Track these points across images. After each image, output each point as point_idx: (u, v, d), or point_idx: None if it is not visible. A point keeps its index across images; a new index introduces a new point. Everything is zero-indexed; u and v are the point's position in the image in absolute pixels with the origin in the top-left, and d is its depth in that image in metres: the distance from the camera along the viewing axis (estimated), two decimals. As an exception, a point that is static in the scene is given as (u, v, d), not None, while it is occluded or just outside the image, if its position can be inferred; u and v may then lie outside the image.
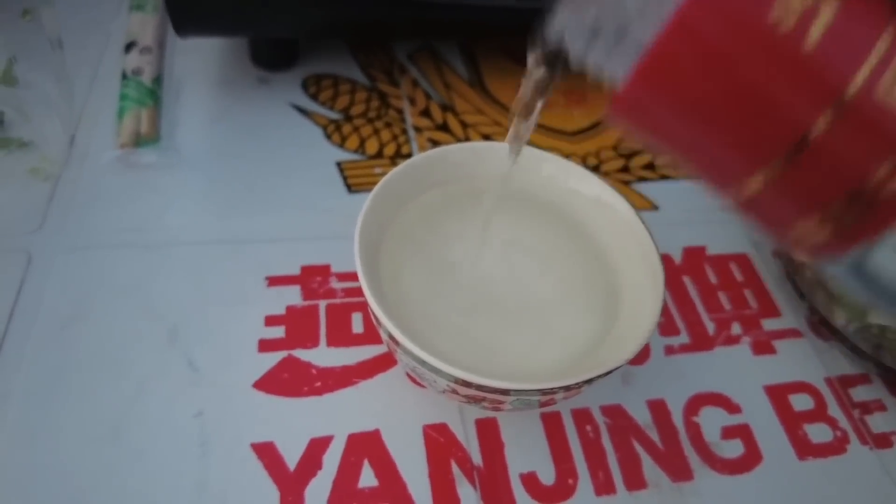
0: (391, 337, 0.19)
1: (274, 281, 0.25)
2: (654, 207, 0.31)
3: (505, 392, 0.18)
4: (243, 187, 0.28)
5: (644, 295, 0.21)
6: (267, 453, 0.21)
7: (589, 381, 0.18)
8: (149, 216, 0.27)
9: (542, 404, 0.21)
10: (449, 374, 0.18)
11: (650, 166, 0.33)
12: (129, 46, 0.32)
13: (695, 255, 0.29)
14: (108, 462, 0.20)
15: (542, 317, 0.22)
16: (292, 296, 0.25)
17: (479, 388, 0.18)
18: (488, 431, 0.23)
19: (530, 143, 0.31)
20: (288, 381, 0.23)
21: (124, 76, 0.30)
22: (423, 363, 0.18)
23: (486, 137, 0.33)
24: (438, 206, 0.23)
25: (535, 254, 0.23)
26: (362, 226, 0.20)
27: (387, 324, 0.18)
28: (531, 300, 0.22)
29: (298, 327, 0.24)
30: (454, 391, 0.19)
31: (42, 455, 0.20)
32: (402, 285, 0.21)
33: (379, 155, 0.31)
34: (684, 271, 0.29)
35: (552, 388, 0.18)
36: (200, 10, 0.27)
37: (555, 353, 0.21)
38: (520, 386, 0.18)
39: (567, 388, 0.18)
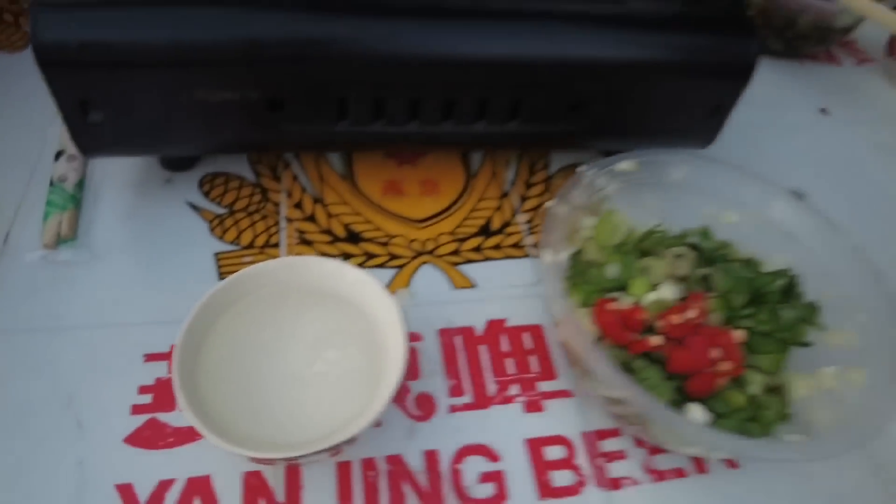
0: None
1: (149, 357, 0.33)
2: (473, 285, 0.39)
3: (270, 460, 0.26)
4: (138, 278, 0.36)
5: (396, 370, 0.29)
6: (125, 492, 0.29)
7: (323, 451, 0.26)
8: (61, 305, 0.35)
9: (332, 455, 0.28)
10: (230, 451, 0.26)
11: (478, 249, 0.40)
12: (58, 154, 0.40)
13: (495, 327, 0.37)
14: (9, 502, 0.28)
15: (329, 389, 0.30)
16: (161, 369, 0.33)
17: (256, 459, 0.26)
18: (292, 476, 0.30)
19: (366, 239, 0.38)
20: (149, 437, 0.31)
21: (52, 183, 0.39)
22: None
23: (347, 226, 0.40)
24: (254, 309, 0.31)
25: (327, 338, 0.31)
26: (186, 330, 0.28)
27: (186, 413, 0.26)
28: (322, 376, 0.30)
29: (162, 395, 0.32)
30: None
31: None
32: (217, 372, 0.29)
33: (251, 245, 0.38)
34: (483, 341, 0.36)
35: (299, 455, 0.26)
36: (101, 139, 0.35)
37: (335, 419, 0.29)
38: (268, 455, 0.25)
39: (308, 455, 0.26)
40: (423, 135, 0.38)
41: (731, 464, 0.34)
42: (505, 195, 0.44)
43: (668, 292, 0.33)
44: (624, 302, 0.33)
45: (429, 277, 0.39)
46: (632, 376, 0.31)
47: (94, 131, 0.34)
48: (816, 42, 0.59)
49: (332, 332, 0.31)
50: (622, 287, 0.34)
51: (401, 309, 0.30)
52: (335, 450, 0.27)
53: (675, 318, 0.31)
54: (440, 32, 0.35)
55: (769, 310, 0.34)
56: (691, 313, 0.32)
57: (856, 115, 0.57)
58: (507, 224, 0.42)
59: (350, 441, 0.27)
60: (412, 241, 0.40)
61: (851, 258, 0.35)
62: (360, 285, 0.31)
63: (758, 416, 0.32)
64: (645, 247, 0.36)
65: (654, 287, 0.34)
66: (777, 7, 0.56)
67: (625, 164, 0.36)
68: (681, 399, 0.31)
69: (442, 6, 0.35)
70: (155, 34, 0.31)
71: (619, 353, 0.32)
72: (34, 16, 0.31)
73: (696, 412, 0.30)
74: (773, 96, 0.58)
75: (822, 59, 0.63)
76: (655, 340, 0.31)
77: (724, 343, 0.31)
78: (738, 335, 0.32)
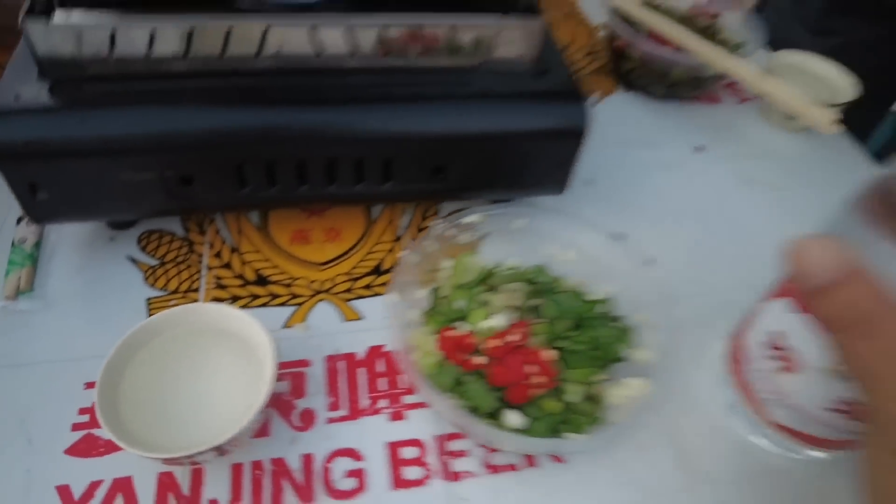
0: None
1: (88, 385, 0.42)
2: (361, 317, 0.47)
3: (169, 459, 0.34)
4: (83, 321, 0.45)
5: (265, 389, 0.37)
6: (63, 492, 0.38)
7: (201, 453, 0.34)
8: (19, 346, 0.43)
9: (219, 454, 0.37)
10: (140, 455, 0.34)
11: (369, 286, 0.49)
12: (19, 220, 0.49)
13: (374, 352, 0.45)
14: (-30, 501, 0.37)
15: (223, 407, 0.38)
16: (97, 394, 0.41)
17: (163, 459, 0.34)
18: (196, 475, 0.39)
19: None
20: (85, 448, 0.39)
21: (13, 244, 0.48)
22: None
23: (257, 271, 0.49)
24: (164, 345, 0.40)
25: (222, 366, 0.39)
26: (106, 366, 0.37)
27: (104, 427, 0.35)
28: (218, 397, 0.38)
29: (96, 415, 0.41)
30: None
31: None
32: (136, 396, 0.38)
33: (176, 291, 0.47)
34: (363, 364, 0.44)
35: (182, 456, 0.34)
36: (48, 211, 0.44)
37: (227, 429, 0.37)
38: (159, 455, 0.34)
39: (191, 455, 0.34)
40: (313, 196, 0.46)
41: (558, 459, 0.41)
42: (398, 239, 0.52)
43: (497, 321, 0.41)
44: (462, 329, 0.41)
45: (323, 312, 0.47)
46: (462, 388, 0.39)
47: (42, 206, 0.43)
48: (692, 88, 0.67)
49: (226, 361, 0.40)
50: (466, 316, 0.43)
51: (273, 341, 0.38)
52: (219, 451, 0.35)
53: (494, 342, 0.39)
54: (319, 116, 0.43)
55: (588, 332, 0.42)
56: (511, 337, 0.40)
57: (728, 151, 0.65)
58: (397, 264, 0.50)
59: (230, 443, 0.35)
60: (312, 281, 0.49)
61: (656, 288, 0.43)
62: (244, 324, 0.39)
63: (571, 420, 0.40)
64: (492, 283, 0.44)
65: (489, 316, 0.42)
66: (651, 61, 0.64)
67: (472, 217, 0.45)
68: (503, 406, 0.39)
69: (318, 95, 0.43)
70: (83, 132, 0.40)
71: (456, 370, 0.40)
72: (-11, 121, 0.39)
73: (512, 417, 0.39)
74: (653, 136, 0.66)
75: (704, 100, 0.71)
76: (479, 360, 0.39)
77: (538, 361, 0.40)
78: (549, 354, 0.40)
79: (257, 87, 0.43)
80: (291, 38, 0.42)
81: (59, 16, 0.38)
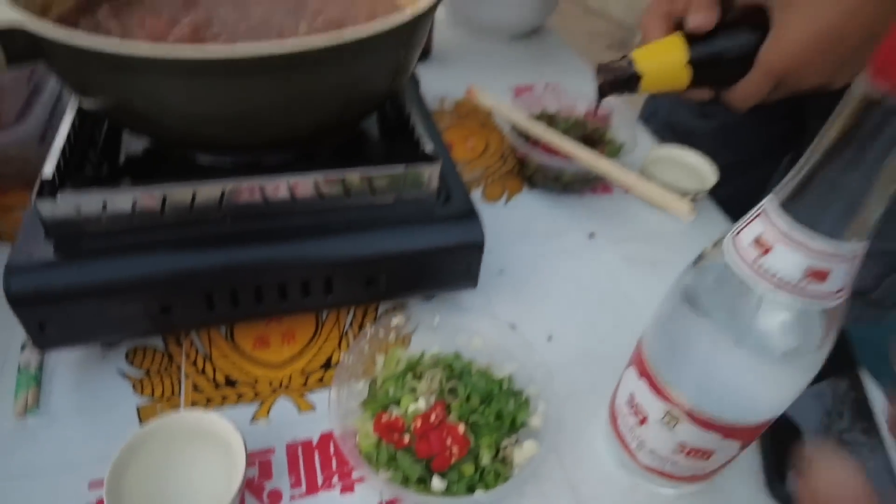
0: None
1: (92, 484, 0.51)
2: (314, 408, 0.58)
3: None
4: (84, 430, 0.55)
5: (238, 478, 0.47)
6: (77, 576, 0.47)
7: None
8: (31, 457, 0.52)
9: None
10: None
11: (321, 379, 0.60)
12: (23, 347, 0.59)
13: (326, 437, 0.56)
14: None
15: (209, 492, 0.48)
16: (100, 492, 0.51)
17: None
18: (185, 553, 0.48)
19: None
20: (92, 537, 0.49)
21: (19, 369, 0.57)
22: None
23: (226, 376, 0.59)
24: (157, 446, 0.50)
25: (205, 459, 0.49)
26: (112, 467, 0.47)
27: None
28: (204, 485, 0.48)
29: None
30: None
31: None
32: (138, 488, 0.47)
33: (161, 397, 0.57)
34: (317, 448, 0.55)
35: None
36: (52, 341, 0.54)
37: (208, 513, 0.47)
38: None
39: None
40: (269, 311, 0.57)
41: (477, 510, 0.52)
42: (344, 334, 0.63)
43: (421, 403, 0.52)
44: (394, 413, 0.52)
45: (282, 406, 0.57)
46: (395, 463, 0.50)
47: (47, 338, 0.53)
48: (584, 183, 0.81)
49: (207, 455, 0.50)
50: (398, 402, 0.54)
51: (242, 436, 0.49)
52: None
53: (418, 422, 0.51)
54: (270, 251, 0.55)
55: (495, 405, 0.53)
56: (432, 417, 0.51)
57: (615, 235, 0.79)
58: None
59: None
60: (271, 381, 0.59)
61: (542, 367, 0.55)
62: (218, 424, 0.50)
63: (484, 479, 0.51)
64: (417, 371, 0.56)
65: (416, 399, 0.53)
66: (545, 167, 0.78)
67: (396, 320, 0.56)
68: (429, 474, 0.50)
69: (269, 234, 0.55)
70: (83, 279, 0.51)
71: (390, 448, 0.51)
72: (5, 276, 0.50)
73: (437, 483, 0.49)
74: (554, 227, 0.79)
75: (598, 191, 0.85)
76: (406, 438, 0.50)
77: (454, 434, 0.51)
78: (461, 428, 0.51)
79: (220, 231, 0.54)
80: (244, 192, 0.54)
81: (62, 196, 0.50)
